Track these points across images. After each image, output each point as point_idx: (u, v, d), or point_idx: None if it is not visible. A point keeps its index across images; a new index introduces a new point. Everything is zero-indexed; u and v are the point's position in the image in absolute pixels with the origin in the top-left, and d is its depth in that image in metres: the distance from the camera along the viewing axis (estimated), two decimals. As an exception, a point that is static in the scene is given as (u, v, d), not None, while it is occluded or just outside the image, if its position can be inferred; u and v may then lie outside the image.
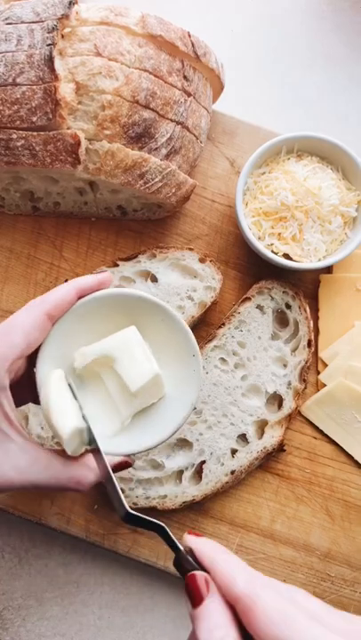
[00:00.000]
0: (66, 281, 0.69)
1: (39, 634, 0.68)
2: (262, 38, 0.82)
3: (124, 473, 0.64)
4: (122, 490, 0.64)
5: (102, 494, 0.66)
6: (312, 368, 0.70)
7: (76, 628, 0.68)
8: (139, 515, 0.41)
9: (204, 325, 0.70)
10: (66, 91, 0.58)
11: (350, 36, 0.82)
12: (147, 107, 0.60)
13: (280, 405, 0.67)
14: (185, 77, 0.62)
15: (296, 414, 0.68)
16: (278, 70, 0.81)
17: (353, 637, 0.35)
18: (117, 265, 0.68)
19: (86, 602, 0.69)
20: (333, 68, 0.81)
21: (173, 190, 0.63)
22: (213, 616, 0.36)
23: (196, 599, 0.37)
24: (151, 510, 0.64)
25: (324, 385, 0.69)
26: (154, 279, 0.67)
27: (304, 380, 0.67)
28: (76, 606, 0.69)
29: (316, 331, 0.70)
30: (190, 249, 0.68)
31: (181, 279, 0.67)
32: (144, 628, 0.69)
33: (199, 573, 0.38)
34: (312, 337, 0.68)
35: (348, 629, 0.36)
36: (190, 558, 0.39)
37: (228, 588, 0.37)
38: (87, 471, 0.48)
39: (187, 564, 0.39)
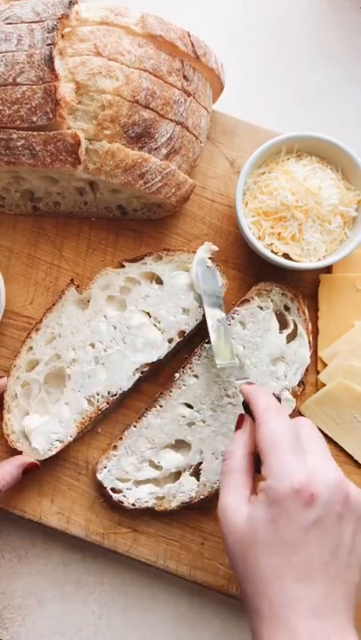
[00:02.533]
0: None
1: (39, 633, 0.68)
2: (262, 38, 0.82)
3: (121, 473, 0.65)
4: (118, 490, 0.64)
5: (101, 494, 0.66)
6: (312, 368, 0.70)
7: (76, 627, 0.68)
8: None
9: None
10: (66, 90, 0.58)
11: (350, 36, 0.82)
12: (147, 107, 0.60)
13: None
14: (185, 77, 0.62)
15: (295, 415, 0.68)
16: (278, 70, 0.81)
17: (317, 476, 0.46)
18: (123, 266, 0.68)
19: (86, 601, 0.69)
20: (333, 67, 0.81)
21: (173, 190, 0.63)
22: (237, 440, 0.53)
23: (236, 428, 0.55)
24: (149, 511, 0.64)
25: (324, 385, 0.69)
26: (159, 281, 0.67)
27: (302, 382, 0.67)
28: (75, 605, 0.69)
29: (316, 330, 0.70)
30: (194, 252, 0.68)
31: (187, 281, 0.67)
32: (144, 627, 0.69)
33: (241, 414, 0.56)
34: (310, 338, 0.68)
35: (317, 469, 0.47)
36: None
37: (255, 411, 0.52)
38: None
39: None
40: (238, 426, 0.55)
